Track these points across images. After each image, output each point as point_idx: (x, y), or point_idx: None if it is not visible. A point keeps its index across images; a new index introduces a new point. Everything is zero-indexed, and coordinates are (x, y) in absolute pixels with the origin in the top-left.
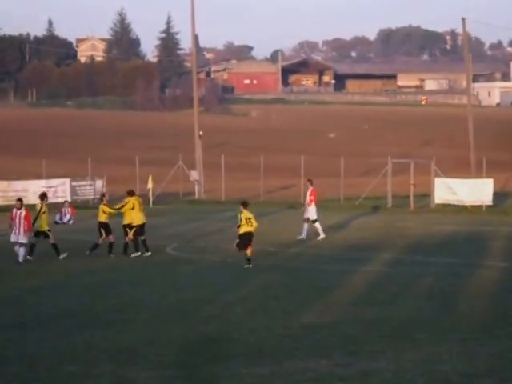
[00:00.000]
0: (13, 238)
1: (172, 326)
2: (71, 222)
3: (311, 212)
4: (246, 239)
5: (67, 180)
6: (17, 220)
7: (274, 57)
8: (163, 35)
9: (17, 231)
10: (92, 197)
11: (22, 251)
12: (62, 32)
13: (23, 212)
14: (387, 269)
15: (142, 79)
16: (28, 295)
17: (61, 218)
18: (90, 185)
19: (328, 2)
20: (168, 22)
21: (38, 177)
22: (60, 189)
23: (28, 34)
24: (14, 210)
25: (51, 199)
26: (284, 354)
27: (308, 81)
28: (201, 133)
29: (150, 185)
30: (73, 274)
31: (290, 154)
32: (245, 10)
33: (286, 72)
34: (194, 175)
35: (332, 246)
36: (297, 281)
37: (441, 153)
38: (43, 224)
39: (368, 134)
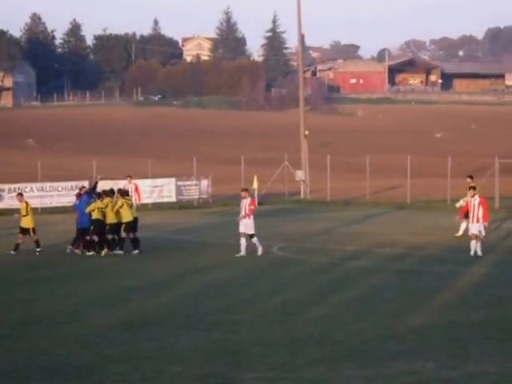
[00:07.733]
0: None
1: (277, 327)
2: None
3: (250, 225)
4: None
5: (173, 180)
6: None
7: (380, 56)
8: (269, 34)
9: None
10: (197, 196)
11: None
12: (167, 31)
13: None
14: (493, 270)
15: (247, 78)
16: (131, 295)
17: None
18: (196, 184)
19: (435, 1)
20: (274, 21)
21: (144, 176)
22: (165, 188)
23: (134, 34)
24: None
25: (156, 199)
26: (388, 355)
27: (415, 80)
28: (306, 132)
29: (255, 185)
30: (176, 275)
31: (396, 154)
32: (351, 8)
33: (393, 71)
34: (300, 175)
35: (437, 248)
36: (402, 282)
37: None
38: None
39: (475, 133)
